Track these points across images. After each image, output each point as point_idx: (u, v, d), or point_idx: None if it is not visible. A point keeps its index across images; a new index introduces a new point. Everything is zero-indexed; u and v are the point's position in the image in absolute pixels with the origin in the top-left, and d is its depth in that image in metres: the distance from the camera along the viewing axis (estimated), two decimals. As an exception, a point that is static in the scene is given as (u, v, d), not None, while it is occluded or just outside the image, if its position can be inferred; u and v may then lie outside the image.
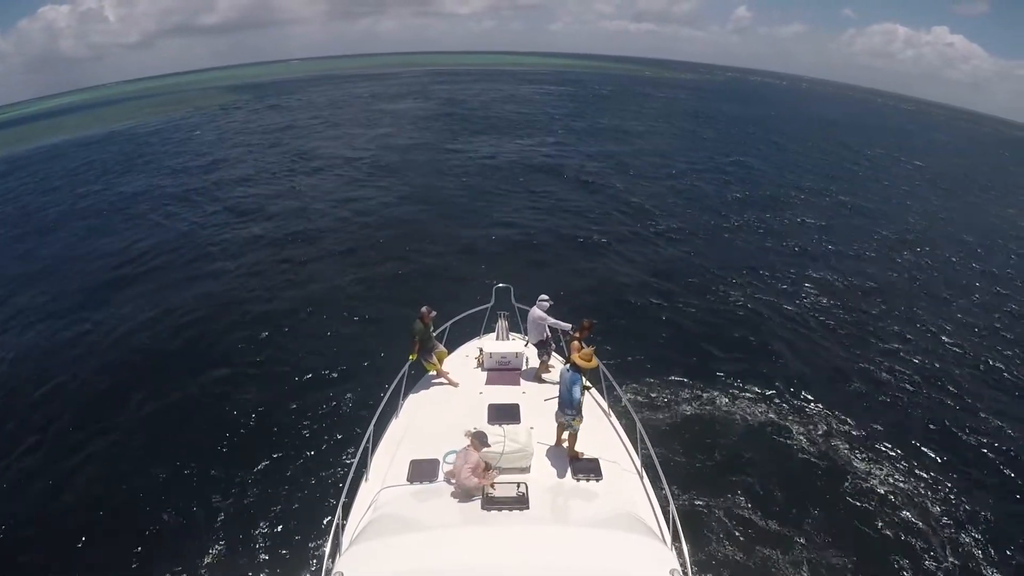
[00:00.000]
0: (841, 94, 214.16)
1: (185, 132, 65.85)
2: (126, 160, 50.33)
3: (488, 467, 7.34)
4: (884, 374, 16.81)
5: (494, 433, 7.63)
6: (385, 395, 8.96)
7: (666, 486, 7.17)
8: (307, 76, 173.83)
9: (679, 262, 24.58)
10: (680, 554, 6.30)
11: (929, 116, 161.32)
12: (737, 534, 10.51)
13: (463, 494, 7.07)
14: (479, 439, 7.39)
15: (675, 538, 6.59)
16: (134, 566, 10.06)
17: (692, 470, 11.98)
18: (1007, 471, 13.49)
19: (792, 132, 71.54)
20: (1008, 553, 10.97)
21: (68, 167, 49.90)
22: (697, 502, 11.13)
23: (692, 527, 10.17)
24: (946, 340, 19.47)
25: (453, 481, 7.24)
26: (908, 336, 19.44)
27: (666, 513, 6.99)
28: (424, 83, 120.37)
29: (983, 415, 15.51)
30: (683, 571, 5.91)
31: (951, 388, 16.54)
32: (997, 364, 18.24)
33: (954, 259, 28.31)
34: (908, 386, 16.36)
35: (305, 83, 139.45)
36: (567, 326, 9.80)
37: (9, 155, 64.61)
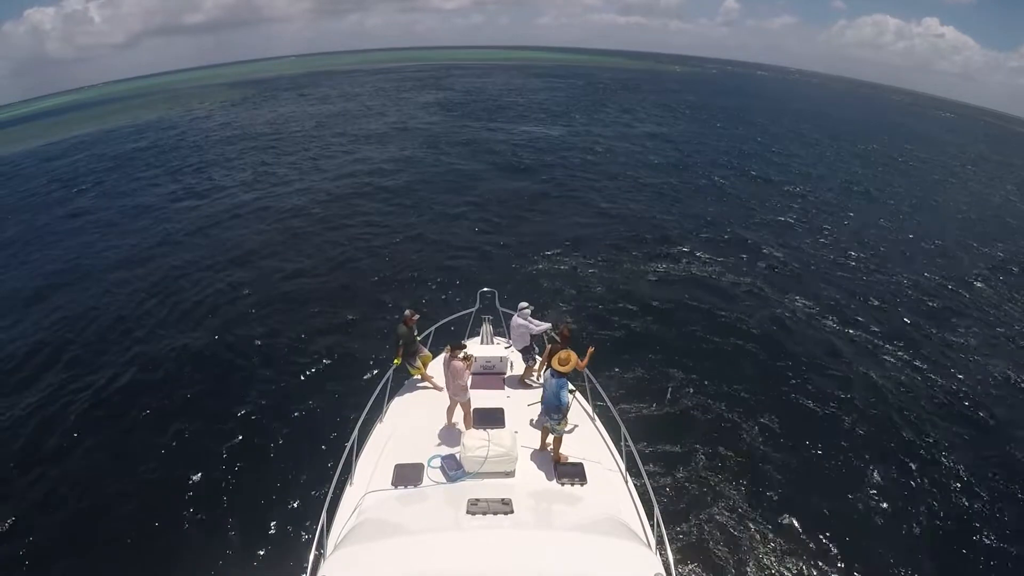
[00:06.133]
0: (847, 89, 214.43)
1: (213, 124, 66.58)
2: (172, 148, 52.56)
3: (468, 358, 8.64)
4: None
5: (478, 438, 7.64)
6: (369, 399, 8.90)
7: (650, 489, 7.20)
8: (308, 72, 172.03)
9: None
10: (664, 558, 6.34)
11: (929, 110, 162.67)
12: (721, 538, 10.58)
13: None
14: (457, 348, 8.66)
15: (659, 542, 6.62)
16: (114, 572, 9.98)
17: (677, 474, 12.04)
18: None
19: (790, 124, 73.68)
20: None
21: (111, 153, 52.67)
22: (682, 505, 11.20)
23: (677, 530, 10.37)
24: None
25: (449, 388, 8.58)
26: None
27: (651, 517, 7.02)
28: (435, 77, 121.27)
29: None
30: (668, 575, 5.95)
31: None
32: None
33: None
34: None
35: (317, 78, 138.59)
36: (546, 325, 9.87)
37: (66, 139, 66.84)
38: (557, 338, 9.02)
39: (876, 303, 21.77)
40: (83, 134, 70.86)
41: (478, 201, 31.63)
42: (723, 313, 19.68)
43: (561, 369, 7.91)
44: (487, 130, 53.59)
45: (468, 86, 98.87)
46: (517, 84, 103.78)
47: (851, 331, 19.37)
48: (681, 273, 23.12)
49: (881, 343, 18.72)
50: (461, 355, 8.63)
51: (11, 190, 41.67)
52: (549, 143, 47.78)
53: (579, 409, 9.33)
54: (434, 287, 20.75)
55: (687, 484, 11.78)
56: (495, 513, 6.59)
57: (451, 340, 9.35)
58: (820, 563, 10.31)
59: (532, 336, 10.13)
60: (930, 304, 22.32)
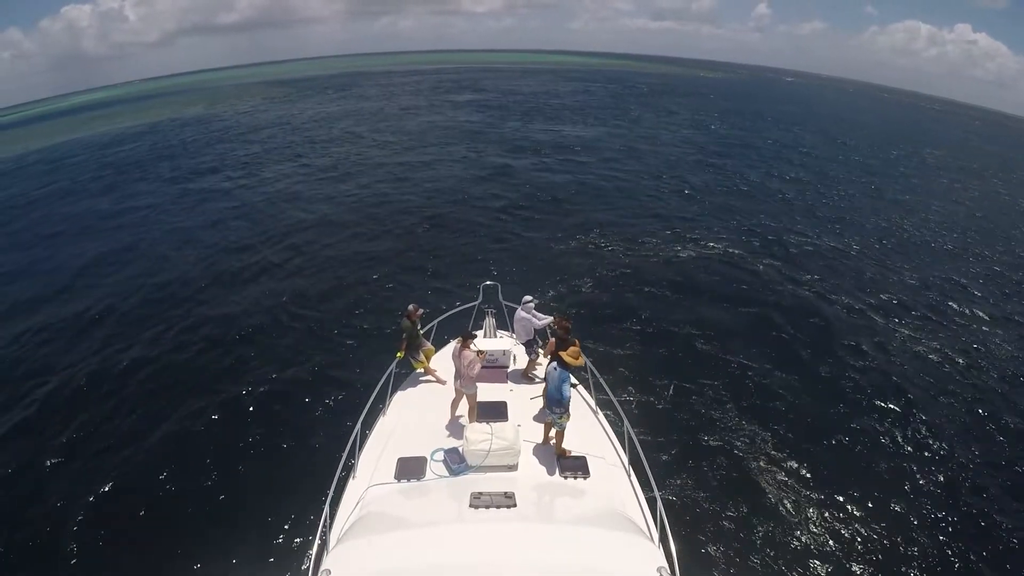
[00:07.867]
0: (898, 100, 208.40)
1: (256, 119, 70.22)
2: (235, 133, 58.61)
3: (481, 352, 8.74)
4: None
5: (481, 431, 7.60)
6: (372, 393, 8.89)
7: (653, 483, 7.10)
8: (343, 72, 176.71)
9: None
10: (667, 552, 6.23)
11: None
12: (725, 531, 10.36)
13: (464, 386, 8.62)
14: (469, 338, 8.74)
15: (662, 535, 6.50)
16: (115, 564, 9.96)
17: (680, 467, 11.81)
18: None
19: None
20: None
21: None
22: (686, 499, 10.98)
23: (680, 524, 10.03)
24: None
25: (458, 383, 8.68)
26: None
27: (653, 510, 6.91)
28: (469, 79, 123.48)
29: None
30: (670, 569, 5.86)
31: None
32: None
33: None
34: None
35: (353, 78, 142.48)
36: (549, 319, 9.81)
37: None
38: (558, 330, 8.97)
39: (887, 286, 22.05)
40: (127, 126, 75.32)
41: (511, 194, 32.35)
42: (729, 306, 19.38)
43: (574, 362, 7.90)
44: (523, 129, 54.76)
45: (502, 88, 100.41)
46: (549, 87, 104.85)
47: (862, 316, 19.34)
48: (692, 266, 22.97)
49: (896, 325, 18.83)
50: (474, 346, 8.67)
51: (65, 176, 44.61)
52: (582, 142, 48.47)
53: (582, 402, 9.25)
54: (450, 278, 20.89)
55: (691, 477, 11.55)
56: (498, 507, 6.56)
57: (453, 334, 9.36)
58: (825, 560, 10.03)
59: (536, 330, 10.06)
60: (943, 288, 22.74)
